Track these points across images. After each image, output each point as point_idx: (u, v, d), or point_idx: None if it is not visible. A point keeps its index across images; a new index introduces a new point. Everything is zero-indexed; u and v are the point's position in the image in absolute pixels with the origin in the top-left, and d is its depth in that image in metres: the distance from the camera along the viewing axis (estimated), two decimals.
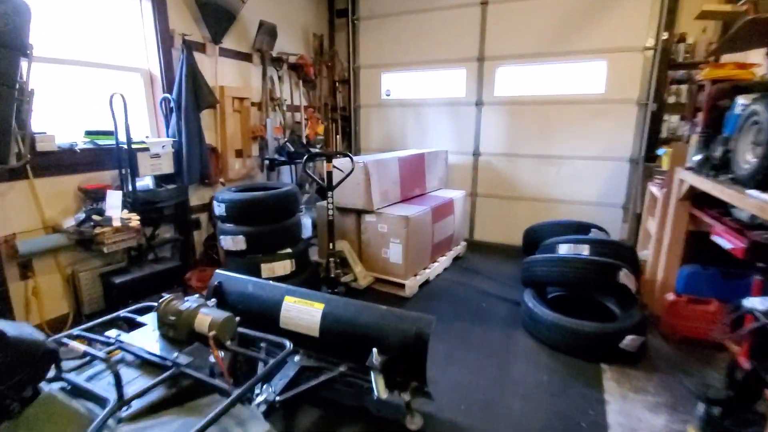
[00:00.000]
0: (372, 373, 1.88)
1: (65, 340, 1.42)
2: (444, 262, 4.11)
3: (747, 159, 2.05)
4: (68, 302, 3.02)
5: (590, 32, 4.22)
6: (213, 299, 2.28)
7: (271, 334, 2.28)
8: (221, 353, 1.37)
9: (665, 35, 4.02)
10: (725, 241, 2.18)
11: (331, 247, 3.36)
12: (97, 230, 2.84)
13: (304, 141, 4.92)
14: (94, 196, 3.01)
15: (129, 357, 1.36)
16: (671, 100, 4.22)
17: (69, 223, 2.87)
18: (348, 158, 3.31)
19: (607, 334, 2.58)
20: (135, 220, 3.02)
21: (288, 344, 1.61)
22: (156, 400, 1.23)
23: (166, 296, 1.53)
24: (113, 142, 3.07)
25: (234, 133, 4.19)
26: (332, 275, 3.37)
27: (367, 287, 3.66)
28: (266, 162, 4.40)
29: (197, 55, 3.70)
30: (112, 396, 1.18)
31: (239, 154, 4.32)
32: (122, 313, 1.65)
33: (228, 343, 1.45)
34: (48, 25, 2.85)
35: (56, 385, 1.28)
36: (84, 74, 3.18)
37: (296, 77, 4.93)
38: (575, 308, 3.07)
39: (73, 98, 3.14)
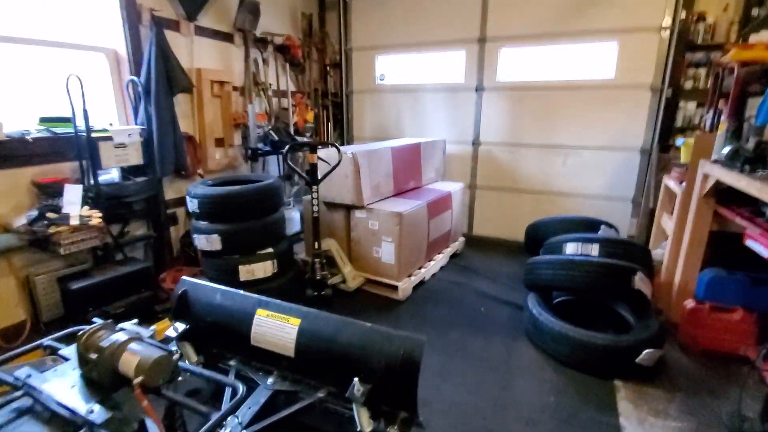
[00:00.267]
0: (354, 405, 1.60)
1: None
2: (440, 260, 3.83)
3: None
4: (25, 309, 2.73)
5: (600, 10, 3.87)
6: (178, 323, 2.02)
7: (241, 351, 2.04)
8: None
9: (683, 14, 3.68)
10: (763, 247, 1.89)
11: (316, 246, 3.06)
12: (52, 229, 2.54)
13: (292, 129, 4.59)
14: (50, 191, 2.69)
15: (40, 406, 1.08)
16: (688, 85, 3.90)
17: (20, 221, 2.57)
18: (335, 148, 2.99)
19: (622, 348, 2.30)
20: (96, 217, 2.71)
21: (241, 389, 1.33)
22: None
23: (96, 323, 1.24)
24: (72, 130, 2.74)
25: (214, 121, 3.85)
26: (318, 277, 3.08)
27: (356, 289, 3.37)
28: (251, 151, 4.06)
29: (170, 34, 3.36)
30: None
31: (220, 143, 4.00)
32: (45, 341, 1.36)
33: (165, 389, 1.17)
34: None
35: None
36: (40, 54, 2.83)
37: (283, 60, 4.57)
38: (583, 315, 2.81)
39: (26, 82, 2.81)
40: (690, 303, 2.58)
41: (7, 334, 2.61)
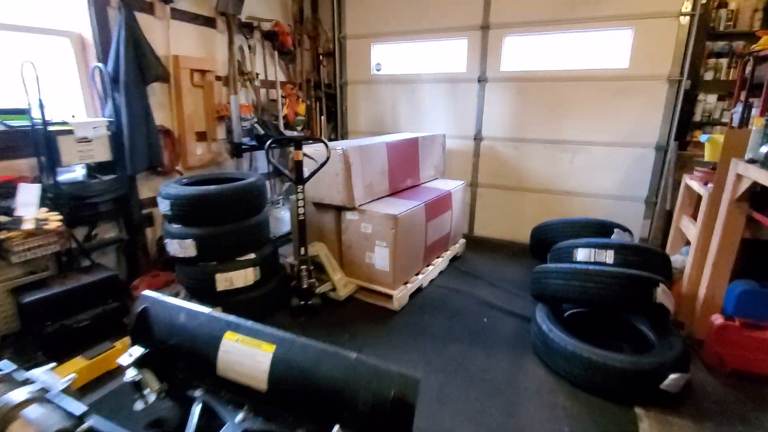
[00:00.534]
0: None
1: None
2: (439, 264, 3.55)
3: None
4: None
5: None
6: (136, 347, 1.74)
7: (208, 380, 1.77)
8: None
9: None
10: None
11: (302, 252, 2.78)
12: (3, 235, 2.25)
13: (282, 122, 4.29)
14: (2, 192, 2.40)
15: None
16: (708, 76, 3.61)
17: None
18: (323, 144, 2.70)
19: (644, 372, 2.03)
20: (55, 220, 2.42)
21: None
22: None
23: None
24: (29, 123, 2.45)
25: (194, 113, 3.55)
26: (305, 285, 2.80)
27: (347, 297, 3.10)
28: (233, 147, 3.77)
29: (143, 17, 3.05)
30: None
31: (202, 137, 3.70)
32: None
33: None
34: None
35: None
36: None
37: (271, 48, 4.26)
38: (597, 328, 2.55)
39: None
40: (718, 319, 2.31)
41: None
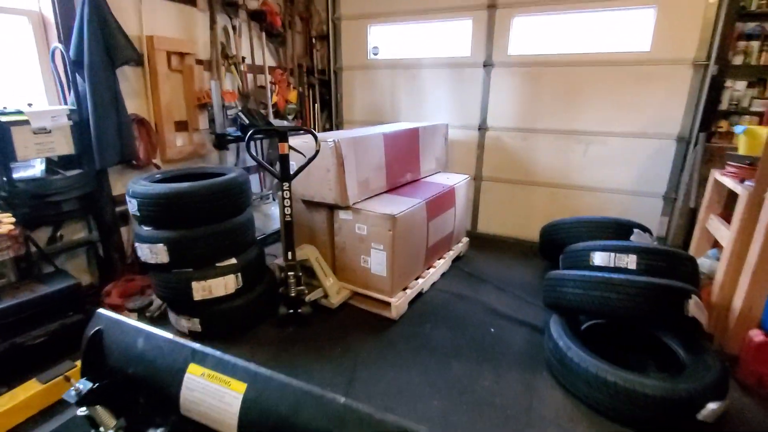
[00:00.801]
0: None
1: None
2: (441, 266, 3.27)
3: None
4: None
5: None
6: (83, 380, 1.47)
7: (171, 417, 1.50)
8: None
9: None
10: None
11: (289, 256, 2.50)
12: None
13: (271, 111, 3.97)
14: None
15: None
16: (737, 60, 3.29)
17: None
18: (311, 136, 2.40)
19: (678, 400, 1.76)
20: (6, 222, 2.13)
21: None
22: None
23: None
24: None
25: (173, 100, 3.23)
26: (293, 293, 2.52)
27: (341, 304, 2.83)
28: (216, 138, 3.46)
29: None
30: None
31: (183, 126, 3.39)
32: None
33: None
34: None
35: None
36: None
37: (259, 29, 3.92)
38: (617, 341, 2.29)
39: None
40: (758, 335, 2.05)
41: None
